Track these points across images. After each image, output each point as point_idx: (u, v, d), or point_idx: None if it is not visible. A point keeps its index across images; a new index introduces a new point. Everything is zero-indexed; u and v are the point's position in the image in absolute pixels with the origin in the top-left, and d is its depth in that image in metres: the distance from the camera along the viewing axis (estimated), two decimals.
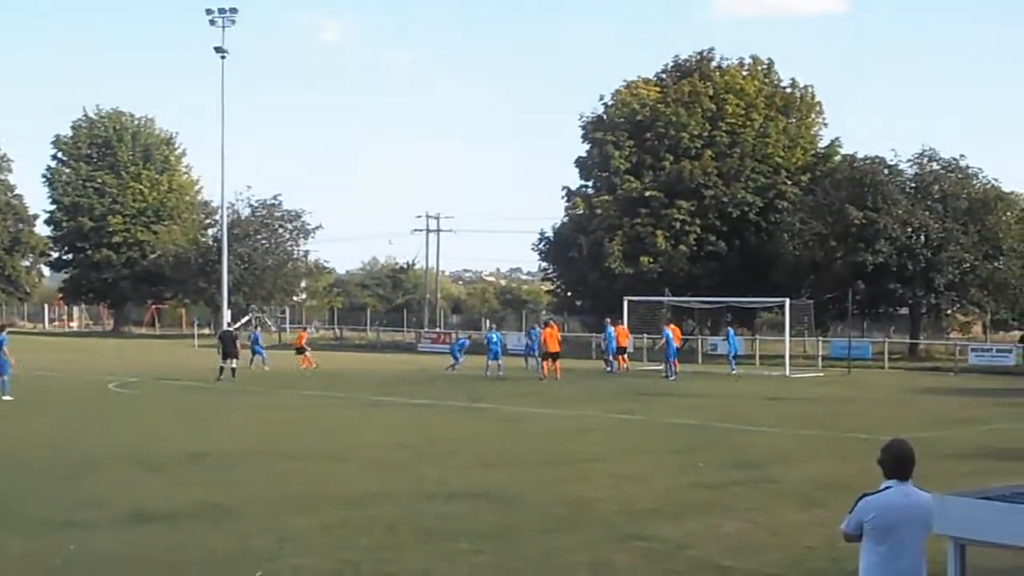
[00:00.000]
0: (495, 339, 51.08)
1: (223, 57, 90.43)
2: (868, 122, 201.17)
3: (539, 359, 47.64)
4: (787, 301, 52.56)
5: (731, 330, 57.77)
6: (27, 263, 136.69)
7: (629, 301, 56.33)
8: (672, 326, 51.16)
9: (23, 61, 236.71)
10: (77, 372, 47.77)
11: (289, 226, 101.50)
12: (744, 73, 73.68)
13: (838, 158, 71.73)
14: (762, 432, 27.36)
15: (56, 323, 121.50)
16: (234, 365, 45.26)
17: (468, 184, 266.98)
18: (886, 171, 65.07)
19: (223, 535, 14.35)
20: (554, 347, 47.12)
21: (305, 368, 52.02)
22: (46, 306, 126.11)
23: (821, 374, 52.01)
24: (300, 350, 55.04)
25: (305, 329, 60.04)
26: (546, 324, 51.87)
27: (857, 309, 61.13)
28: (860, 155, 68.22)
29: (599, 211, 70.63)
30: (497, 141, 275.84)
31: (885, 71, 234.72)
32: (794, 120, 73.06)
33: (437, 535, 14.43)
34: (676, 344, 50.24)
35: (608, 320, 54.01)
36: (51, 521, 15.13)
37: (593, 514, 15.94)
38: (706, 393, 40.44)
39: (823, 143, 74.58)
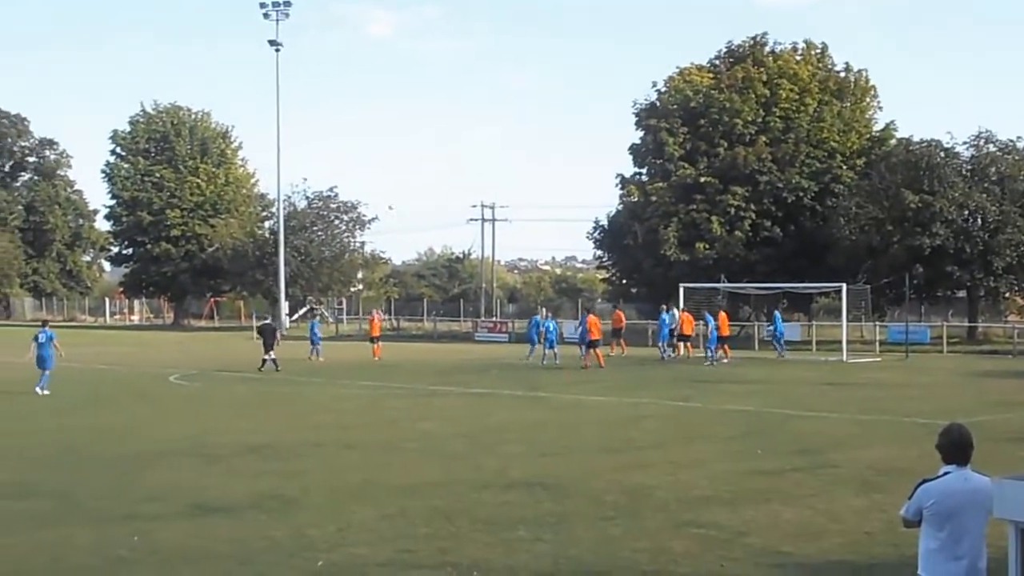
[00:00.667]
0: (551, 327, 51.10)
1: (277, 50, 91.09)
2: (923, 105, 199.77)
3: (583, 348, 47.47)
4: (844, 286, 52.29)
5: (777, 313, 57.40)
6: (88, 258, 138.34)
7: (685, 288, 55.94)
8: (722, 313, 50.84)
9: (81, 58, 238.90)
10: (138, 365, 48.20)
11: (345, 218, 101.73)
12: (798, 58, 73.28)
13: (893, 141, 71.22)
14: (820, 418, 27.26)
15: (117, 317, 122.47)
16: (273, 356, 45.80)
17: (523, 173, 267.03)
18: (942, 154, 64.53)
19: (283, 525, 14.46)
20: (595, 335, 47.05)
21: (377, 359, 52.38)
22: (107, 300, 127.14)
23: (879, 359, 51.73)
24: (375, 339, 55.39)
25: (377, 317, 60.14)
26: (588, 312, 52.14)
27: (914, 293, 60.65)
28: (915, 138, 67.75)
29: (654, 198, 70.46)
30: (551, 130, 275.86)
31: (940, 53, 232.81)
32: (848, 104, 72.58)
33: (495, 524, 14.49)
34: (724, 332, 49.99)
35: (663, 307, 53.85)
36: (115, 513, 15.32)
37: (650, 501, 15.95)
38: (762, 379, 40.32)
39: (878, 127, 74.08)
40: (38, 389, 34.10)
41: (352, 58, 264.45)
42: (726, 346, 50.24)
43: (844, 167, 69.38)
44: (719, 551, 13.09)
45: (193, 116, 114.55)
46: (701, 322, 51.92)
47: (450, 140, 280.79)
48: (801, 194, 68.44)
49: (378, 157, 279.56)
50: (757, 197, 68.38)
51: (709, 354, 49.04)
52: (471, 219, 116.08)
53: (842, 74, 73.41)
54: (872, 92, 74.01)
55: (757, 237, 68.63)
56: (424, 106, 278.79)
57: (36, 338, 35.50)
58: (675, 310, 53.09)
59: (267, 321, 48.84)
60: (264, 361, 45.80)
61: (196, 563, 12.68)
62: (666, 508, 15.46)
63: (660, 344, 52.66)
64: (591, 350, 46.38)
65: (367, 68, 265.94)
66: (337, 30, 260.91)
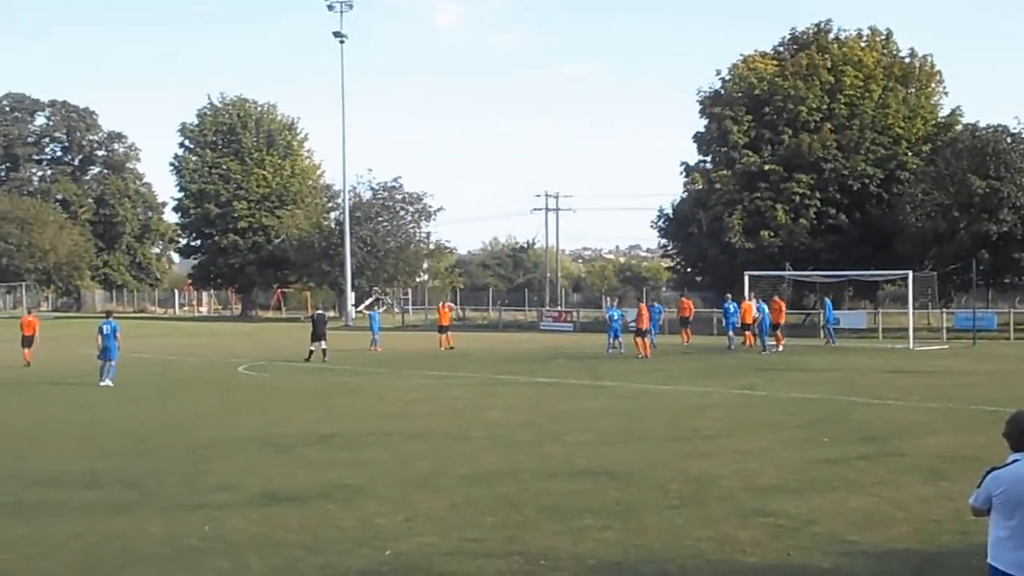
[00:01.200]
0: (616, 316, 51.08)
1: (342, 42, 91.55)
2: (990, 90, 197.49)
3: (635, 339, 47.29)
4: (910, 273, 51.84)
5: (828, 300, 56.97)
6: (157, 250, 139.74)
7: (750, 276, 55.38)
8: (776, 299, 50.42)
9: (150, 52, 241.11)
10: (207, 356, 48.67)
11: (410, 208, 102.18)
12: (862, 44, 72.79)
13: (959, 127, 70.55)
14: (886, 405, 27.10)
15: (186, 308, 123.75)
16: (324, 347, 46.15)
17: (587, 162, 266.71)
18: (1009, 139, 63.90)
19: (351, 515, 14.58)
20: (643, 324, 46.96)
21: (445, 348, 52.70)
22: (176, 291, 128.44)
23: (945, 346, 51.28)
24: (444, 328, 55.67)
25: (448, 307, 60.50)
26: (640, 301, 52.10)
27: (981, 280, 60.10)
28: (982, 124, 67.10)
29: (718, 186, 70.26)
30: (615, 118, 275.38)
31: (1007, 37, 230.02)
32: (914, 90, 72.03)
33: (562, 512, 14.53)
34: (778, 319, 49.63)
35: (729, 296, 53.58)
36: (186, 502, 15.50)
37: (717, 490, 15.94)
38: (828, 367, 40.10)
39: (944, 112, 73.45)
40: (102, 382, 34.57)
41: (417, 48, 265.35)
42: (779, 333, 49.72)
43: (910, 153, 68.86)
44: (786, 540, 13.08)
45: (259, 108, 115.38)
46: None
47: (515, 129, 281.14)
48: (866, 181, 67.98)
49: (443, 147, 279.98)
50: (822, 184, 68.00)
51: (761, 342, 49.08)
52: (535, 208, 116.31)
53: (907, 60, 72.84)
54: (938, 77, 73.39)
55: (822, 225, 68.25)
56: (488, 95, 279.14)
57: (100, 329, 35.93)
58: (754, 300, 52.42)
59: (319, 311, 49.27)
60: (311, 352, 46.16)
61: (265, 552, 12.80)
62: (732, 497, 15.45)
63: (728, 333, 52.27)
64: (643, 339, 46.36)
65: (432, 58, 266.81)
66: (402, 20, 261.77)
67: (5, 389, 34.62)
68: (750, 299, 50.84)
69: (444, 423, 24.63)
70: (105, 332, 35.60)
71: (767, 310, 49.66)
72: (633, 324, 48.89)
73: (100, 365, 35.31)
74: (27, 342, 44.50)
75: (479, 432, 22.85)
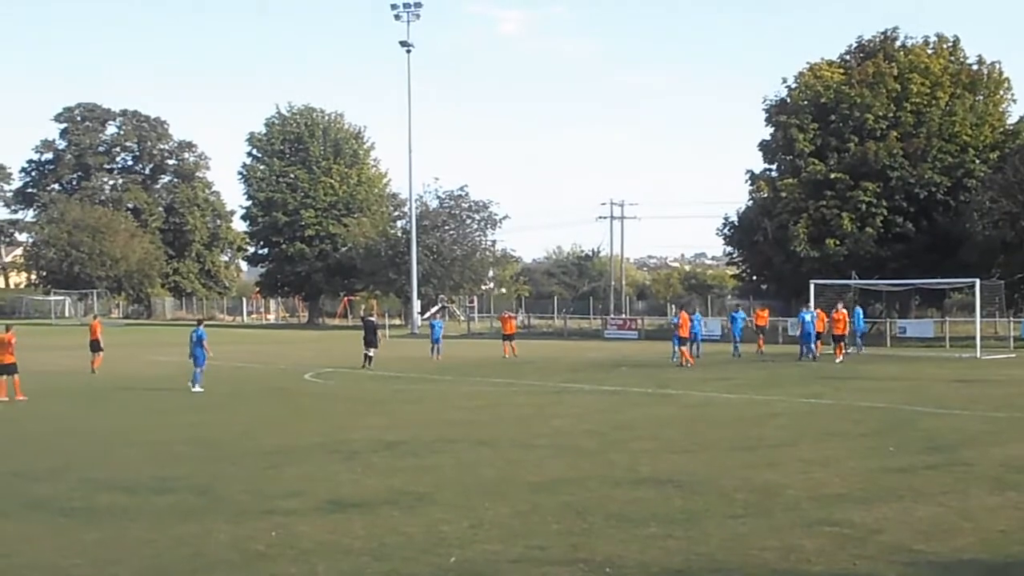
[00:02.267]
0: (695, 323, 51.85)
1: (408, 51, 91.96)
2: None
3: (675, 346, 47.22)
4: (977, 281, 51.42)
5: (859, 309, 56.35)
6: (226, 258, 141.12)
7: (816, 284, 55.34)
8: (837, 311, 49.76)
9: (220, 62, 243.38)
10: (274, 363, 49.04)
11: (476, 217, 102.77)
12: (929, 51, 72.28)
13: None
14: (953, 415, 26.91)
15: (254, 316, 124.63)
16: (371, 354, 46.52)
17: (652, 170, 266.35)
18: None
19: (417, 521, 14.67)
20: (684, 332, 46.85)
21: (509, 357, 52.85)
22: (244, 299, 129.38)
23: (1012, 355, 50.88)
24: (508, 336, 55.81)
25: (512, 316, 60.66)
26: (681, 308, 52.08)
27: None
28: None
29: (784, 194, 70.01)
30: (680, 126, 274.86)
31: None
32: (981, 97, 71.46)
33: (627, 520, 14.57)
34: (838, 329, 49.04)
35: (806, 306, 53.08)
36: (254, 508, 15.65)
37: (781, 499, 15.92)
38: (895, 376, 39.87)
39: (1012, 119, 72.89)
40: (191, 385, 35.12)
41: (482, 57, 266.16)
42: (840, 345, 48.98)
43: (977, 161, 68.35)
44: (851, 549, 13.04)
45: (326, 117, 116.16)
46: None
47: (580, 137, 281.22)
48: (933, 189, 67.50)
49: (508, 155, 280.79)
50: (888, 193, 67.61)
51: (803, 351, 49.26)
52: (600, 217, 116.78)
53: (975, 67, 72.26)
54: (1006, 84, 72.79)
55: (888, 233, 67.81)
56: (554, 104, 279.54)
57: (190, 336, 36.59)
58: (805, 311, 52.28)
59: (371, 318, 49.65)
60: (367, 358, 46.56)
61: (332, 558, 12.91)
62: (797, 506, 15.41)
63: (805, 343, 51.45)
64: (680, 348, 46.26)
65: (497, 67, 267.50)
66: (467, 29, 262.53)
67: (77, 395, 35.07)
68: (840, 308, 50.21)
69: (509, 430, 24.71)
70: (192, 339, 36.17)
71: (805, 319, 49.89)
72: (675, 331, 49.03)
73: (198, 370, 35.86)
74: (94, 347, 45.10)
75: (544, 440, 22.91)
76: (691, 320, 50.48)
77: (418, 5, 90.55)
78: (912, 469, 18.40)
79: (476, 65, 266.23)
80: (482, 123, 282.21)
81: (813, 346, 49.74)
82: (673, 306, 57.77)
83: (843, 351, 48.42)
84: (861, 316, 55.35)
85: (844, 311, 50.06)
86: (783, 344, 57.47)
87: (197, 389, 34.91)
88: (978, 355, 49.59)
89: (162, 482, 18.01)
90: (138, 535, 14.09)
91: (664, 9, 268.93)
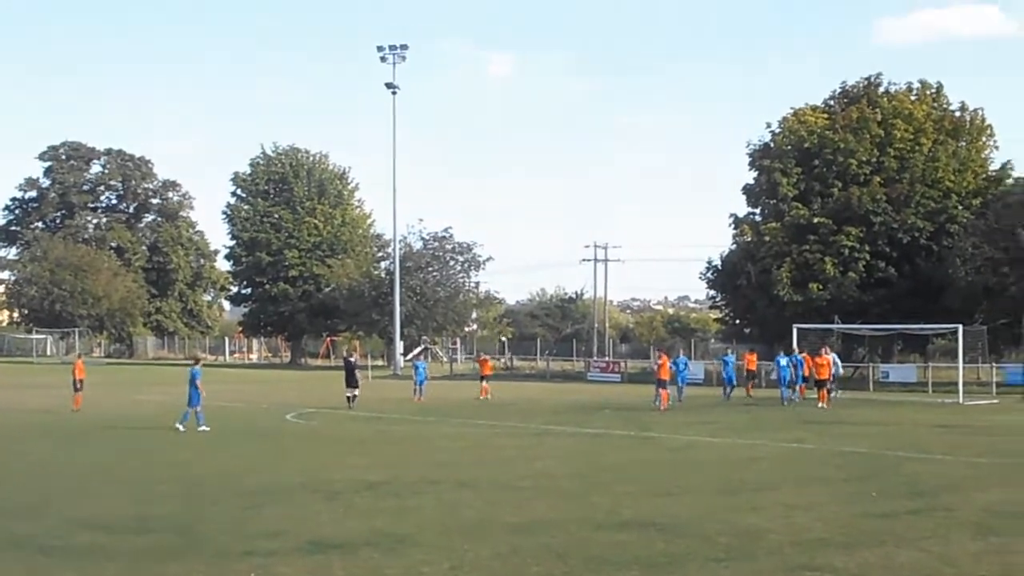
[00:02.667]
0: (682, 365, 52.63)
1: (394, 93, 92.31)
2: None
3: (656, 389, 47.03)
4: (960, 327, 51.46)
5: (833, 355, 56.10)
6: (208, 297, 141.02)
7: (799, 328, 55.46)
8: (820, 356, 48.97)
9: (204, 102, 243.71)
10: (257, 403, 48.91)
11: (460, 258, 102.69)
12: (912, 98, 72.73)
13: (1010, 181, 70.52)
14: (935, 460, 26.90)
15: (236, 355, 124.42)
16: (352, 394, 46.69)
17: (636, 213, 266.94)
18: None
19: (397, 563, 14.59)
20: (663, 375, 46.92)
21: (482, 397, 52.64)
22: (227, 339, 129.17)
23: (995, 401, 50.98)
24: (485, 377, 55.76)
25: (487, 359, 60.75)
26: (660, 352, 52.36)
27: None
28: None
29: (767, 238, 70.21)
30: (665, 170, 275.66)
31: None
32: (964, 143, 71.88)
33: (608, 563, 14.52)
34: (822, 375, 48.12)
35: (783, 351, 53.35)
36: (234, 549, 15.55)
37: (764, 544, 15.87)
38: (877, 421, 39.92)
39: (994, 166, 73.31)
40: (199, 427, 34.92)
41: (468, 99, 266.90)
42: (823, 391, 47.82)
43: (960, 207, 68.61)
44: None
45: (311, 158, 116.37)
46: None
47: (564, 179, 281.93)
48: (916, 234, 67.75)
49: (493, 197, 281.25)
50: (871, 238, 67.84)
51: (784, 394, 49.91)
52: (584, 259, 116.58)
53: (958, 113, 72.71)
54: (988, 131, 73.23)
55: (871, 278, 68.01)
56: (538, 146, 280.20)
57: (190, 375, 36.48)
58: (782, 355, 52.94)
59: (350, 358, 49.85)
60: (348, 398, 46.68)
61: None
62: (780, 551, 15.36)
63: (782, 387, 51.61)
64: (660, 390, 46.24)
65: (482, 109, 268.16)
66: (455, 70, 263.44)
67: (58, 434, 34.91)
68: (822, 353, 49.45)
69: (491, 472, 24.66)
70: (189, 378, 36.09)
71: (782, 363, 50.62)
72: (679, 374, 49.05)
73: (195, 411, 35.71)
74: (77, 386, 44.96)
75: (526, 481, 22.85)
76: (674, 363, 50.55)
77: (404, 48, 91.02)
78: (894, 514, 18.37)
79: (461, 106, 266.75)
80: (466, 164, 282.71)
81: (786, 390, 50.28)
82: (655, 350, 57.67)
83: (828, 396, 47.93)
84: (684, 365, 55.20)
85: (828, 356, 49.51)
86: (766, 388, 57.41)
87: (204, 428, 34.76)
88: (960, 400, 49.66)
89: (142, 521, 17.91)
90: (116, 575, 14.00)
91: (650, 52, 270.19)
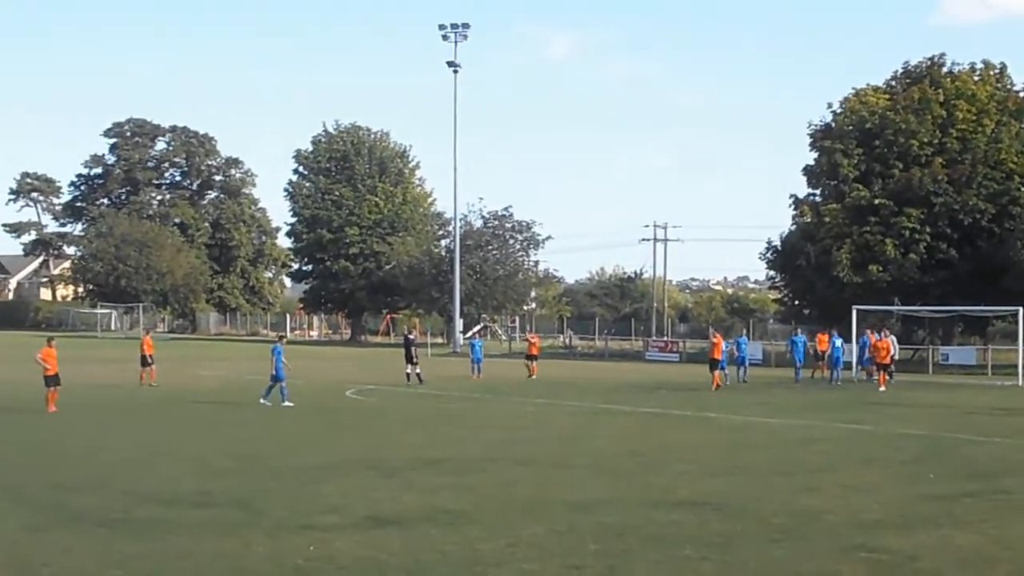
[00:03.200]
0: (743, 344, 53.48)
1: (455, 71, 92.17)
2: None
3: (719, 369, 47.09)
4: (1021, 309, 50.89)
5: (836, 337, 54.53)
6: (270, 274, 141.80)
7: (858, 310, 55.06)
8: (882, 338, 48.56)
9: (267, 80, 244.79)
10: (317, 380, 49.23)
11: (520, 237, 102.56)
12: (975, 78, 71.76)
13: None
14: (993, 443, 26.73)
15: (297, 332, 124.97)
16: (416, 371, 47.49)
17: (696, 193, 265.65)
18: None
19: (454, 539, 14.71)
20: (716, 355, 46.91)
21: (530, 376, 52.77)
22: (288, 315, 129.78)
23: None
24: (532, 357, 55.81)
25: (535, 338, 60.72)
26: (716, 331, 52.11)
27: None
28: None
29: (827, 219, 69.66)
30: (725, 150, 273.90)
31: None
32: None
33: (663, 542, 14.56)
34: (881, 358, 47.96)
35: (868, 331, 52.84)
36: (293, 523, 15.71)
37: (819, 525, 15.87)
38: (936, 403, 39.63)
39: None
40: (283, 402, 35.22)
41: (530, 77, 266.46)
42: (883, 374, 47.68)
43: (1022, 188, 67.77)
44: None
45: (372, 136, 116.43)
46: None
47: (624, 159, 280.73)
48: (978, 216, 66.95)
49: (553, 176, 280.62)
50: (932, 219, 67.14)
51: (834, 375, 50.62)
52: (643, 239, 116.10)
53: (1021, 94, 71.72)
54: None
55: (932, 259, 67.33)
56: (599, 125, 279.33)
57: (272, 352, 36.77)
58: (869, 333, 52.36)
59: (409, 335, 50.33)
60: (408, 375, 47.42)
61: (368, 574, 12.98)
62: (835, 532, 15.36)
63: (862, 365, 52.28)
64: (714, 371, 46.18)
65: (543, 88, 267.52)
66: (516, 50, 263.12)
67: (121, 409, 35.36)
68: (883, 335, 49.24)
69: (548, 450, 24.73)
70: (272, 354, 36.35)
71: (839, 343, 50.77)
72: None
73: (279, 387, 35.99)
74: (144, 361, 45.54)
75: (582, 460, 22.93)
76: (731, 343, 50.68)
77: (465, 26, 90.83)
78: (952, 497, 18.31)
79: (524, 86, 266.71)
80: (529, 143, 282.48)
81: (838, 371, 51.02)
82: (712, 330, 57.26)
83: (887, 380, 47.38)
84: (838, 346, 54.79)
85: (889, 339, 49.13)
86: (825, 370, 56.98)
87: (288, 404, 35.10)
88: (1020, 383, 49.18)
89: (203, 496, 18.14)
90: (177, 548, 14.18)
91: (711, 31, 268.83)
